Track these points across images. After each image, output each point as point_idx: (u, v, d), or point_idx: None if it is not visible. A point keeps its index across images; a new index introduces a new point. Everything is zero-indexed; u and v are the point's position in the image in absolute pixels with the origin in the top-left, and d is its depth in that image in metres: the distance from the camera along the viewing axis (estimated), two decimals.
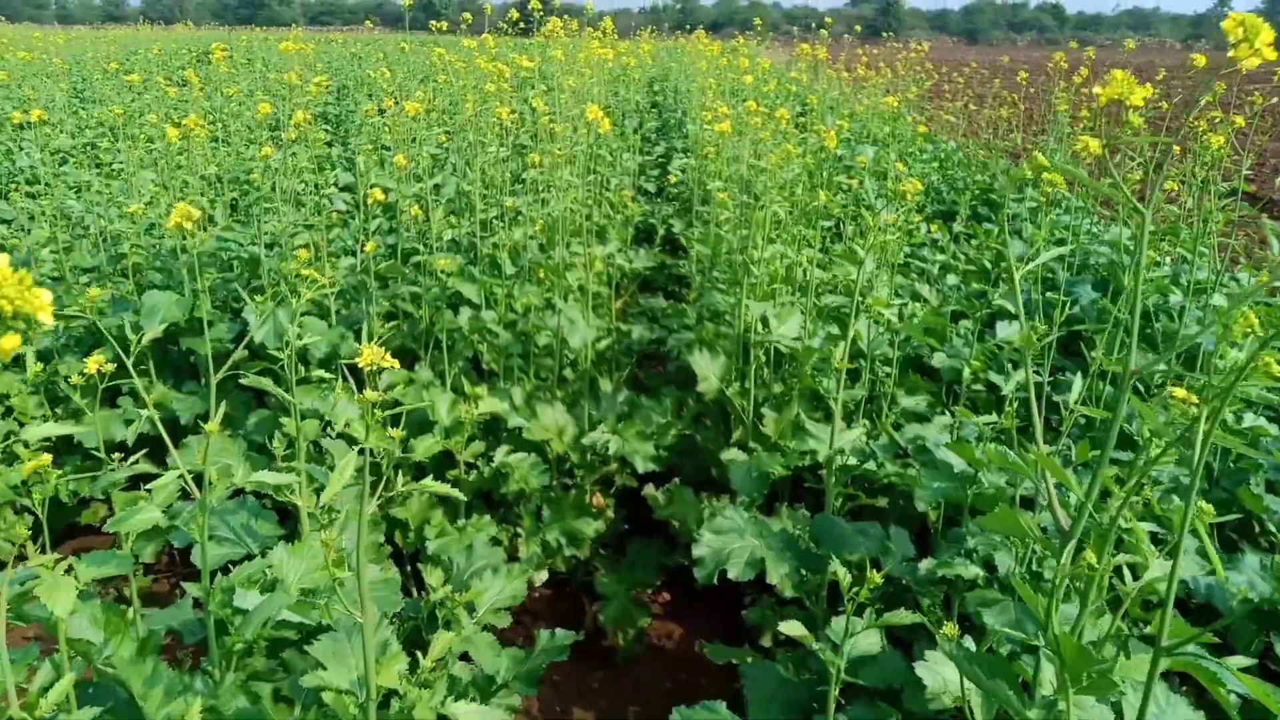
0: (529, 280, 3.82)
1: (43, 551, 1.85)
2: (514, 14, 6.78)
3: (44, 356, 3.89)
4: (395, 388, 3.23)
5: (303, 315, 3.47)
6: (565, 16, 7.63)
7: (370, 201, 3.34)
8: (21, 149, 7.11)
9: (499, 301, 3.76)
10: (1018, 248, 5.16)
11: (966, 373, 3.43)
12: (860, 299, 2.75)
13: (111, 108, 6.20)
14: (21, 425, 3.69)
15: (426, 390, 3.10)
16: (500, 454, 3.01)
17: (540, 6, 7.47)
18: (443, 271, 3.31)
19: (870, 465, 2.84)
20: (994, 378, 3.41)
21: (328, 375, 2.70)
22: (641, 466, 3.10)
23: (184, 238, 2.14)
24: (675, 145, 8.58)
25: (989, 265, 5.08)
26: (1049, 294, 4.31)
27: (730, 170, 4.60)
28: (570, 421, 3.30)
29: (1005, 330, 3.78)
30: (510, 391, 3.37)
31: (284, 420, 3.10)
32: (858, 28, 15.07)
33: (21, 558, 3.83)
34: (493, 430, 3.38)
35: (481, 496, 3.28)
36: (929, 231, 5.46)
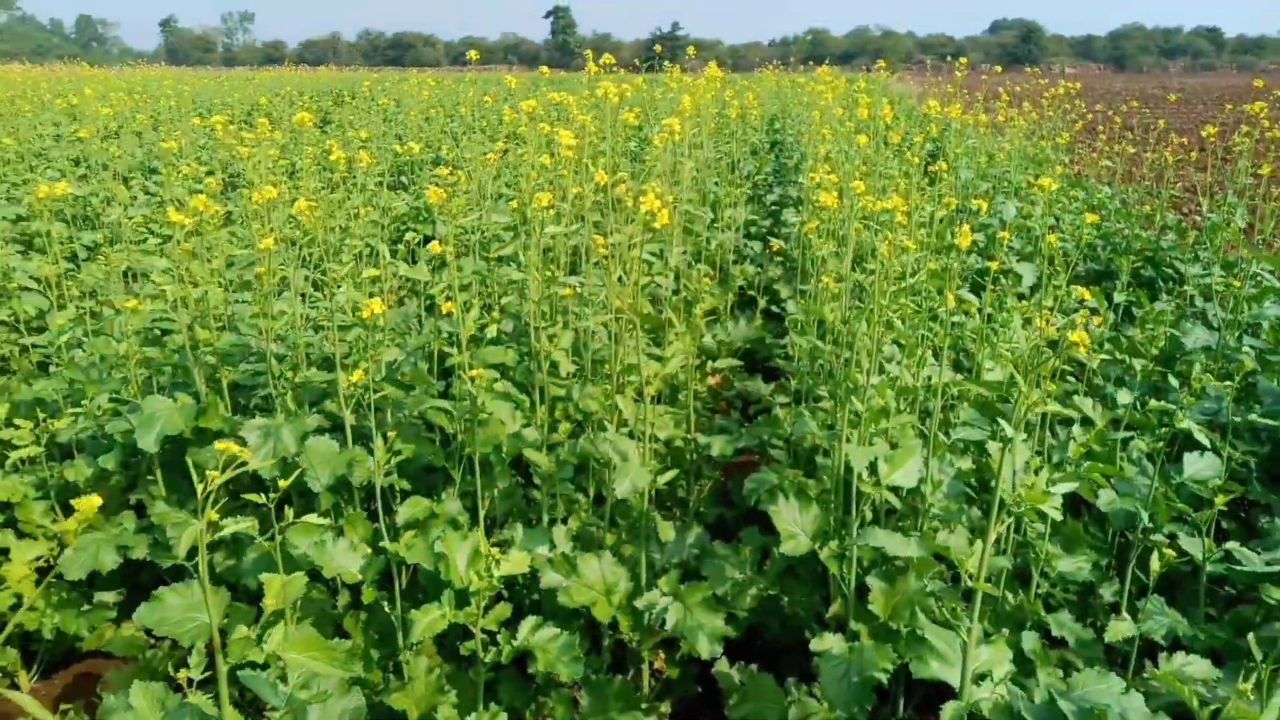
0: (591, 380, 3.19)
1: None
2: (658, 48, 6.49)
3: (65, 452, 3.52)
4: (410, 528, 2.65)
5: (314, 432, 2.95)
6: (699, 50, 7.12)
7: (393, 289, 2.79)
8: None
9: (554, 408, 3.14)
10: (1199, 335, 4.21)
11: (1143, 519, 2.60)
12: (1002, 485, 1.99)
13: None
14: (21, 538, 3.29)
15: (443, 536, 2.49)
16: (524, 629, 2.36)
17: (662, 50, 7.00)
18: (474, 382, 2.72)
19: None
20: (1185, 543, 2.57)
21: (322, 521, 2.14)
22: (706, 651, 2.40)
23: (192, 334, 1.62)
24: (790, 193, 7.86)
25: (1160, 352, 4.16)
26: (1252, 414, 3.40)
27: (840, 235, 3.88)
28: (623, 575, 2.63)
29: (1193, 465, 2.91)
30: (551, 532, 2.73)
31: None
32: (998, 69, 13.99)
33: (13, 686, 3.44)
34: (528, 579, 2.75)
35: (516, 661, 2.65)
36: (1082, 305, 4.58)
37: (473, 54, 5.38)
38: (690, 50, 5.90)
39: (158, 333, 3.86)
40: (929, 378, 2.75)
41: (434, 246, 2.93)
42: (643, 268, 3.23)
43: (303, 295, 3.26)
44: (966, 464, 2.74)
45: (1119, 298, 5.12)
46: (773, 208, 7.68)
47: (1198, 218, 8.11)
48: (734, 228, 5.46)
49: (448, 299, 2.86)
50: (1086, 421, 3.10)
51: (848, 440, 2.55)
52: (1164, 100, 27.94)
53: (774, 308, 5.25)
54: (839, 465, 2.56)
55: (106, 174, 6.91)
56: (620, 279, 2.95)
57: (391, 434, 2.76)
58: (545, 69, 6.49)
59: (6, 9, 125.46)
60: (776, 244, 4.64)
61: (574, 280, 3.22)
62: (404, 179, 9.55)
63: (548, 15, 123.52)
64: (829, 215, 3.60)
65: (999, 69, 15.49)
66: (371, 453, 2.68)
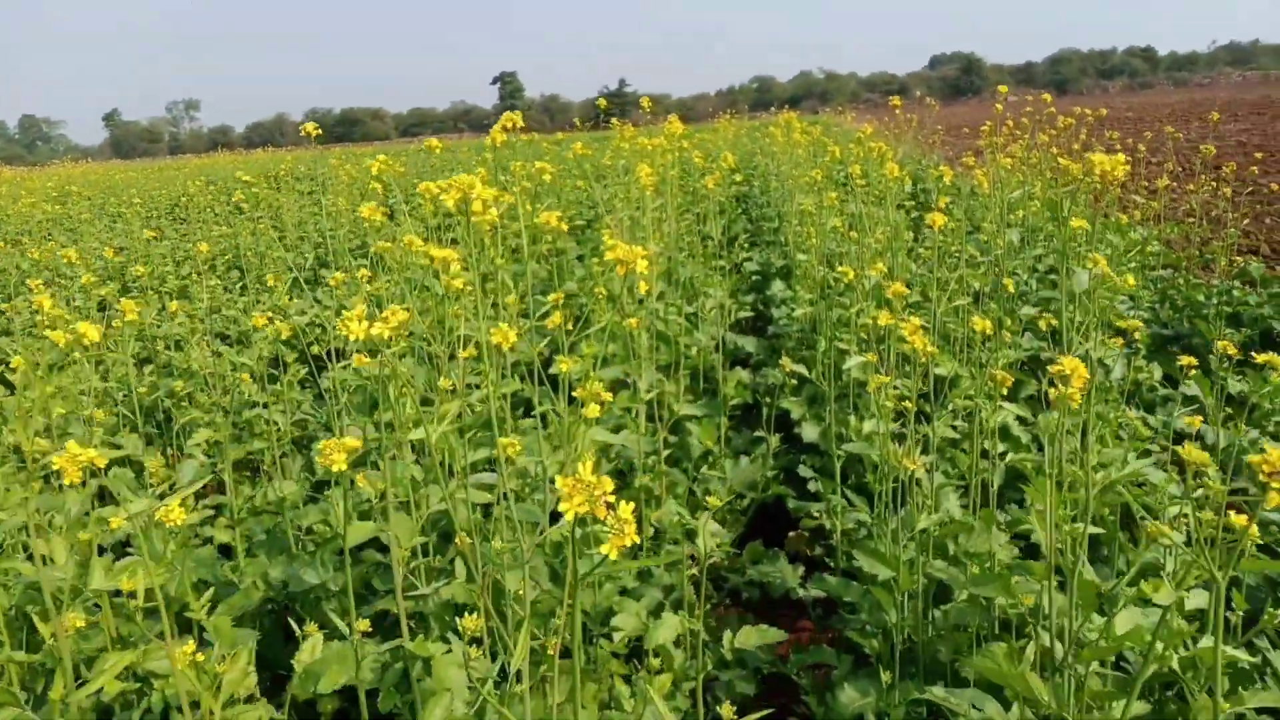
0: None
1: None
2: (602, 102, 5.55)
3: None
4: None
5: None
6: (649, 105, 6.13)
7: None
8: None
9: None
10: None
11: None
12: None
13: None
14: None
15: None
16: None
17: (606, 104, 5.98)
18: None
19: None
20: None
21: None
22: None
23: None
24: (773, 262, 6.72)
25: None
26: None
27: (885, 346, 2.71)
28: None
29: None
30: None
31: None
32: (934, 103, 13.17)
33: None
34: None
35: None
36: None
37: (433, 143, 4.25)
38: (645, 103, 4.78)
39: None
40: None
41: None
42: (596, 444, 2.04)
43: None
44: None
45: (1203, 376, 4.00)
46: (755, 279, 6.53)
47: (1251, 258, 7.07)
48: (718, 321, 4.29)
49: None
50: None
51: None
52: (1128, 119, 27.49)
53: (785, 427, 4.04)
54: None
55: None
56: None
57: None
58: (494, 134, 5.37)
59: None
60: (787, 364, 3.46)
61: (486, 480, 2.01)
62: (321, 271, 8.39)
63: (495, 81, 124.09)
64: (870, 324, 2.43)
65: (936, 104, 14.69)
66: None
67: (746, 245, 8.07)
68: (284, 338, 3.79)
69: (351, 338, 1.27)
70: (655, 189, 3.75)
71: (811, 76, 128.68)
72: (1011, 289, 3.82)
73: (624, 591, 2.61)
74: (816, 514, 3.25)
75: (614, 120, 5.49)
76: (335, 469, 1.36)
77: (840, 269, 2.88)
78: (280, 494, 2.78)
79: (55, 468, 1.49)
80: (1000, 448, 2.80)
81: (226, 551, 3.29)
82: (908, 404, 2.60)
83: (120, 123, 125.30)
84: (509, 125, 2.48)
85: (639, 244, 4.25)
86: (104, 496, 3.80)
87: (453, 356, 2.07)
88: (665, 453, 3.14)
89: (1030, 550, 2.70)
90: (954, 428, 3.04)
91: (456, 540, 1.76)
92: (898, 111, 12.93)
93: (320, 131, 2.91)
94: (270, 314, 5.10)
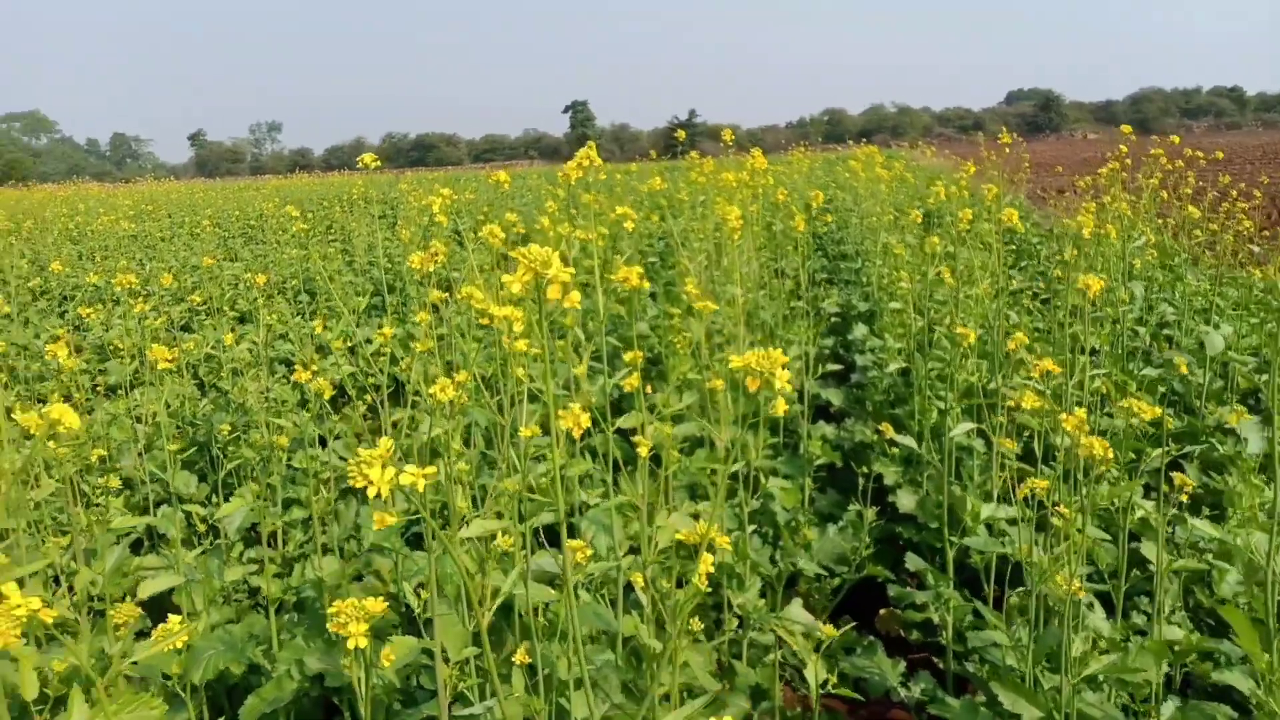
0: None
1: None
2: (681, 134, 5.41)
3: None
4: None
5: None
6: (718, 138, 5.94)
7: None
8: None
9: None
10: None
11: None
12: None
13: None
14: None
15: None
16: None
17: (685, 136, 5.78)
18: None
19: None
20: None
21: None
22: None
23: None
24: (855, 304, 6.37)
25: None
26: None
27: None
28: None
29: None
30: None
31: None
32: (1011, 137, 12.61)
33: None
34: None
35: None
36: None
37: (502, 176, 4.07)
38: (727, 135, 4.52)
39: None
40: None
41: None
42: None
43: None
44: None
45: None
46: (834, 320, 6.19)
47: None
48: (801, 369, 3.97)
49: None
50: None
51: None
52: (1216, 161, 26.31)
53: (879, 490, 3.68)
54: None
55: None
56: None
57: None
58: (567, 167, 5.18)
59: (47, 132, 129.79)
60: (888, 430, 3.13)
61: (548, 567, 1.73)
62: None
63: (566, 110, 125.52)
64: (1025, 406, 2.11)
65: (1021, 140, 14.12)
66: None
67: (824, 284, 7.74)
68: (347, 373, 3.59)
69: (372, 493, 0.98)
70: (739, 230, 3.47)
71: (883, 110, 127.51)
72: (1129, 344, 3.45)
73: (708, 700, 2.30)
74: (922, 604, 2.89)
75: (694, 154, 5.25)
76: (353, 643, 1.07)
77: (959, 330, 2.57)
78: (318, 573, 2.53)
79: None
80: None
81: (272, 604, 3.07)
82: (1035, 482, 2.26)
83: (205, 142, 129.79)
84: (585, 163, 2.24)
85: (712, 282, 3.94)
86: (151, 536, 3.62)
87: (514, 403, 1.80)
88: (750, 528, 2.83)
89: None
90: (1100, 516, 2.67)
91: (515, 655, 1.48)
92: (982, 150, 12.49)
93: (380, 164, 2.71)
94: (336, 341, 4.94)
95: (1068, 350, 3.47)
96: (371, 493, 0.95)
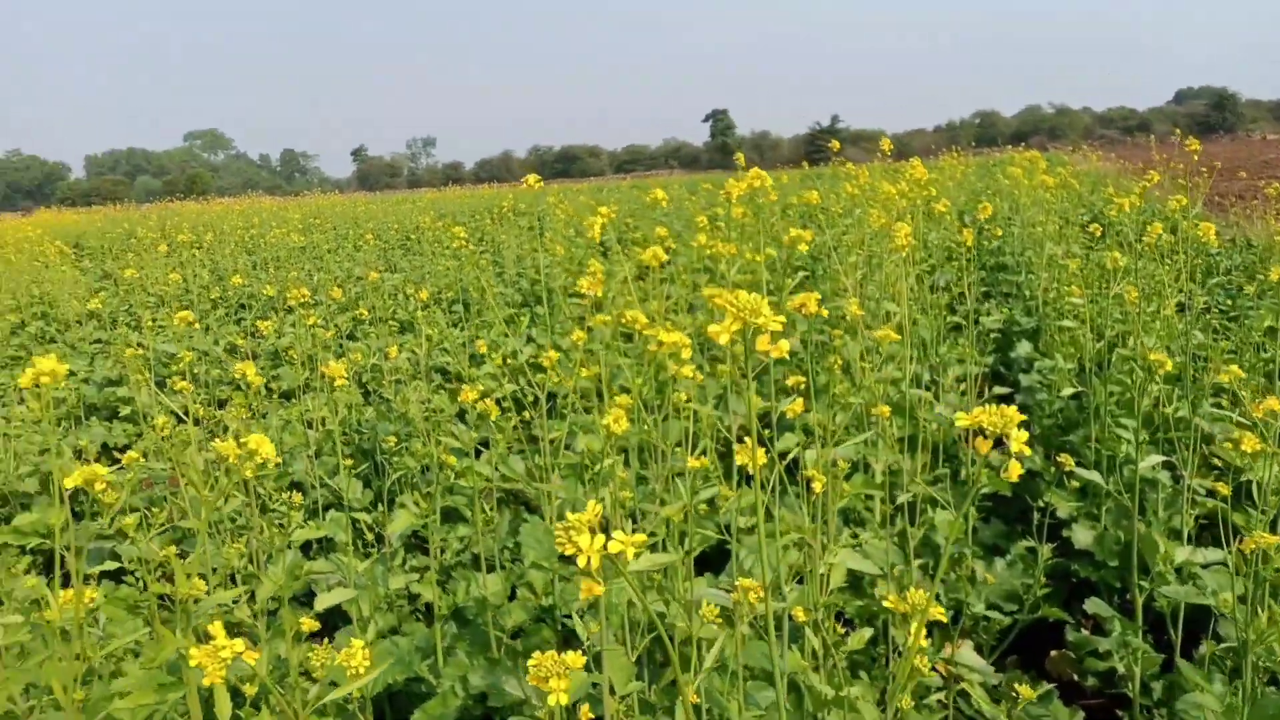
0: None
1: None
2: (835, 144, 5.35)
3: None
4: None
5: None
6: (861, 143, 5.75)
7: None
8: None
9: None
10: None
11: None
12: None
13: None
14: None
15: None
16: None
17: (839, 146, 5.66)
18: None
19: None
20: None
21: None
22: None
23: None
24: (1018, 320, 6.04)
25: None
26: None
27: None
28: None
29: None
30: None
31: None
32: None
33: None
34: None
35: None
36: None
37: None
38: (886, 145, 4.37)
39: None
40: None
41: None
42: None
43: None
44: None
45: None
46: (994, 336, 5.90)
47: None
48: (962, 390, 3.79)
49: None
50: None
51: None
52: None
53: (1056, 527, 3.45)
54: None
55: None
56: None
57: None
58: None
59: (224, 149, 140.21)
60: (1067, 461, 2.94)
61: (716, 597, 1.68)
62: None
63: (707, 119, 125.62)
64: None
65: (1196, 143, 13.10)
66: None
67: (981, 297, 7.41)
68: (509, 390, 3.66)
69: (582, 562, 0.94)
70: (900, 245, 3.34)
71: (1039, 111, 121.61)
72: None
73: None
74: (1105, 652, 2.68)
75: (848, 165, 5.12)
76: (554, 699, 1.04)
77: (1154, 356, 2.37)
78: (482, 591, 2.56)
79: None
80: None
81: (429, 611, 3.16)
82: (1265, 538, 2.05)
83: (366, 157, 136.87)
84: (755, 183, 2.19)
85: (868, 297, 3.80)
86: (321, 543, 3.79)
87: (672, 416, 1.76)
88: (916, 563, 2.70)
89: None
90: None
91: (680, 700, 1.44)
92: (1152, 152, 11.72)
93: (542, 184, 2.75)
94: (496, 358, 5.05)
95: (1261, 375, 3.19)
96: (581, 562, 0.93)
